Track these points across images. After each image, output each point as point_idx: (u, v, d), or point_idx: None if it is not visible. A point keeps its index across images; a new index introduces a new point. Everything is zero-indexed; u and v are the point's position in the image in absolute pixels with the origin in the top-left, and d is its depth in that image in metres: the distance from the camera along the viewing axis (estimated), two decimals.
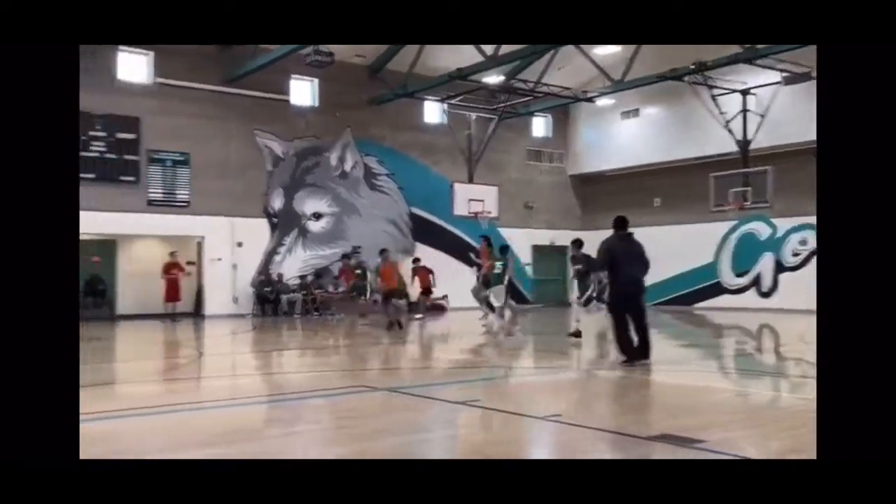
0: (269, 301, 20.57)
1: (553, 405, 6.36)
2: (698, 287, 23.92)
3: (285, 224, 21.39)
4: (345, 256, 21.15)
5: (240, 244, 20.61)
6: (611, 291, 9.19)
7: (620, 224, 8.96)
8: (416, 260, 19.64)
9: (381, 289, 15.69)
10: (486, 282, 14.98)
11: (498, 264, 14.43)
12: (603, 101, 23.69)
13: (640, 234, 9.16)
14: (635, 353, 8.62)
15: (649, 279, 9.11)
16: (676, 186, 24.06)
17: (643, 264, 8.84)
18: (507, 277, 14.39)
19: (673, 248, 21.62)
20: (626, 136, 25.39)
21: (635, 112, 25.04)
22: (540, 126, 26.64)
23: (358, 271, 17.87)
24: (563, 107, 25.42)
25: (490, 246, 15.81)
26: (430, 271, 18.88)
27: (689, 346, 12.51)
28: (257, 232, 20.90)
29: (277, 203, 21.37)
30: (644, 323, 8.75)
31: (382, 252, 16.12)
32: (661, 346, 10.37)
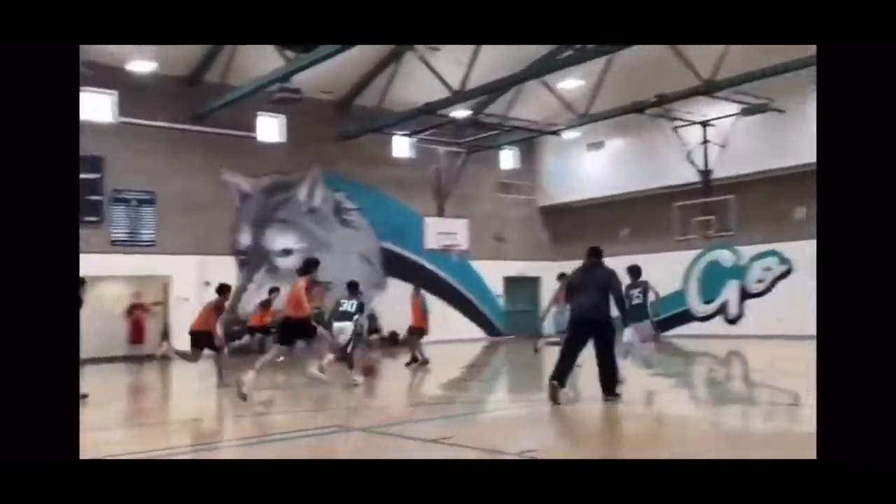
0: (238, 339, 20.17)
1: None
2: (668, 315, 24.09)
3: (254, 261, 21.15)
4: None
5: (207, 283, 20.25)
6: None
7: (590, 254, 8.92)
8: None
9: None
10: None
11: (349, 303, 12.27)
12: (569, 135, 23.95)
13: (610, 263, 9.10)
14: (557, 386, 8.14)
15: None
16: (643, 217, 24.31)
17: (602, 292, 8.41)
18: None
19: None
20: (592, 167, 25.67)
21: (600, 144, 25.36)
22: (508, 159, 26.81)
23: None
24: (530, 140, 25.69)
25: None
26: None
27: (660, 375, 12.54)
28: (225, 270, 20.59)
29: (246, 240, 21.15)
30: (606, 355, 8.31)
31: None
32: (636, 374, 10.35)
